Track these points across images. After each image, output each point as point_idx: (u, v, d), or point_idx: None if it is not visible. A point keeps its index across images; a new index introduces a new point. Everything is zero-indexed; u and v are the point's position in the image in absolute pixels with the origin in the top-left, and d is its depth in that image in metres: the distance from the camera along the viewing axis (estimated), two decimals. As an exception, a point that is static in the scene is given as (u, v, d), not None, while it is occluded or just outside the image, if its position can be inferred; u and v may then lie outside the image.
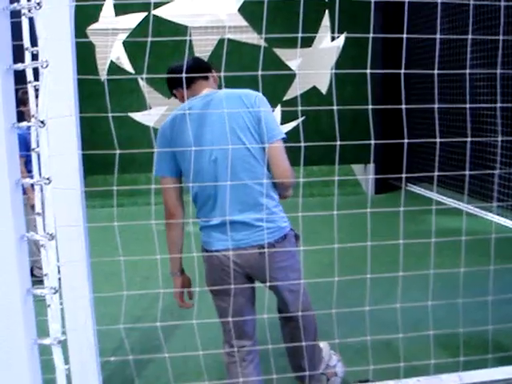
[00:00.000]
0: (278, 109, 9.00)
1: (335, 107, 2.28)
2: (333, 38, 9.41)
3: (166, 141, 2.81)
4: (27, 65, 1.71)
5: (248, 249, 2.76)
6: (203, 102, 2.82)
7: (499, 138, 6.45)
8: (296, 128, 8.77)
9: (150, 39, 2.13)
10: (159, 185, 2.77)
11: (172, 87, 3.02)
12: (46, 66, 1.64)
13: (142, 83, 8.92)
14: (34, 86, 2.47)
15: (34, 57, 1.82)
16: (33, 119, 1.79)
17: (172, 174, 2.84)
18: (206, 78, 2.94)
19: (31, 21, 1.86)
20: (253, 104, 2.79)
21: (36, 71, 1.79)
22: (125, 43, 8.93)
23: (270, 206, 2.81)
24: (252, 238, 2.77)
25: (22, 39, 2.12)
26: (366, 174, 10.33)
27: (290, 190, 2.98)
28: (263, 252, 2.71)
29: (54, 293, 1.74)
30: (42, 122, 1.64)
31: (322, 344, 3.38)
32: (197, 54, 8.86)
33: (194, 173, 2.73)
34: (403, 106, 2.05)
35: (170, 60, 8.63)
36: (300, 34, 2.36)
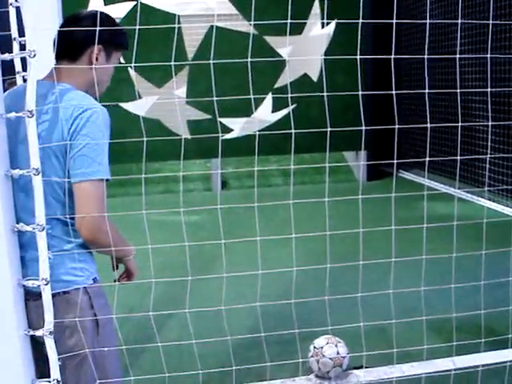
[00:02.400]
0: (269, 97, 8.98)
1: (325, 93, 2.27)
2: (323, 25, 9.39)
3: None
4: (14, 55, 1.69)
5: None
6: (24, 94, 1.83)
7: (489, 123, 6.45)
8: (287, 116, 8.76)
9: (137, 27, 2.11)
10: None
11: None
12: (34, 56, 1.62)
13: (132, 73, 8.87)
14: (23, 77, 2.46)
15: (23, 47, 1.80)
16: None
17: None
18: (74, 58, 2.12)
19: (18, 10, 1.84)
20: (70, 120, 1.95)
21: (25, 62, 1.77)
22: (114, 33, 8.88)
23: (52, 249, 1.93)
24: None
25: (9, 29, 2.10)
26: (357, 162, 10.33)
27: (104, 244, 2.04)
28: (33, 301, 1.95)
29: (46, 284, 1.74)
30: (31, 112, 1.63)
31: None
32: (186, 43, 8.82)
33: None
34: (393, 92, 2.05)
35: (160, 49, 8.53)
36: (289, 21, 2.33)
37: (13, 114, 1.65)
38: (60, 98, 1.94)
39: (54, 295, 1.89)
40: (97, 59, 2.13)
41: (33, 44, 1.64)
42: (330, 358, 3.50)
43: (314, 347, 3.58)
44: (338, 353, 3.51)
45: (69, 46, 2.10)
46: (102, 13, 2.04)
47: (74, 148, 1.93)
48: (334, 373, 3.54)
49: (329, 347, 3.53)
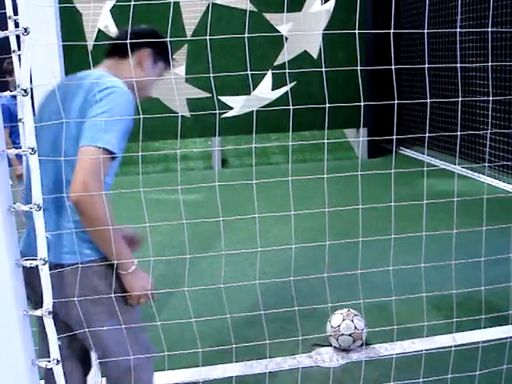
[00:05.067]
0: (269, 74, 8.93)
1: (323, 69, 2.24)
2: (323, 1, 9.31)
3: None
4: (7, 32, 1.67)
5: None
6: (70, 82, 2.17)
7: (490, 98, 6.42)
8: (287, 93, 8.73)
9: (132, 3, 2.08)
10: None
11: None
12: (27, 34, 1.60)
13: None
14: (19, 55, 2.44)
15: (18, 26, 1.78)
16: (18, 88, 1.75)
17: None
18: (125, 56, 2.22)
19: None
20: (91, 95, 2.04)
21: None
22: (112, 11, 8.81)
23: (60, 221, 2.08)
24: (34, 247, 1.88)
25: (4, 8, 2.08)
26: (357, 139, 10.30)
27: (90, 220, 1.98)
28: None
29: (44, 264, 1.73)
30: (25, 91, 1.61)
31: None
32: (185, 21, 8.76)
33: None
34: (392, 67, 2.02)
35: (159, 27, 8.43)
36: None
37: (7, 93, 1.64)
38: (90, 78, 2.06)
39: (72, 265, 2.01)
40: (144, 62, 2.29)
41: (26, 21, 1.62)
42: (350, 335, 3.54)
43: (332, 326, 3.60)
44: (355, 328, 3.53)
45: (121, 45, 2.18)
46: (156, 30, 2.29)
47: (88, 118, 1.98)
48: (355, 346, 3.58)
49: (346, 325, 3.55)
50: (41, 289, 1.86)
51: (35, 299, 2.06)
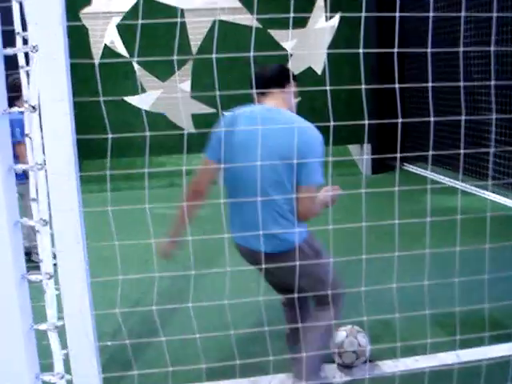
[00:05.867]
0: (274, 90, 8.96)
1: (328, 87, 2.26)
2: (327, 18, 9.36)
3: (220, 131, 3.10)
4: (17, 49, 1.69)
5: (255, 252, 2.99)
6: (265, 115, 2.97)
7: (493, 116, 6.44)
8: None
9: (140, 21, 2.11)
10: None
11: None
12: (36, 51, 1.62)
13: (136, 67, 8.87)
14: (27, 71, 2.46)
15: (26, 42, 1.80)
16: (25, 104, 1.77)
17: (212, 158, 3.22)
18: (283, 86, 3.09)
19: (22, 5, 1.84)
20: (304, 143, 2.82)
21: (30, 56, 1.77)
22: (118, 27, 8.86)
23: (281, 223, 2.98)
24: (257, 243, 2.93)
25: (13, 24, 2.10)
26: (362, 155, 10.31)
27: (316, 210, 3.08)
28: (266, 258, 2.79)
29: (49, 278, 1.74)
30: (33, 107, 1.63)
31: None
32: (191, 37, 8.82)
33: (231, 177, 3.08)
34: (396, 86, 2.04)
35: (164, 43, 8.45)
36: (292, 14, 2.35)
37: (15, 109, 1.65)
38: (289, 120, 2.93)
39: (281, 252, 2.94)
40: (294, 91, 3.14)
41: (35, 38, 1.64)
42: (353, 352, 3.52)
43: (335, 342, 3.59)
44: (359, 344, 3.52)
45: (278, 79, 3.10)
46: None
47: (306, 159, 2.80)
48: (358, 363, 3.56)
49: (349, 341, 3.54)
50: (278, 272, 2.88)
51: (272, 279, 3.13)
